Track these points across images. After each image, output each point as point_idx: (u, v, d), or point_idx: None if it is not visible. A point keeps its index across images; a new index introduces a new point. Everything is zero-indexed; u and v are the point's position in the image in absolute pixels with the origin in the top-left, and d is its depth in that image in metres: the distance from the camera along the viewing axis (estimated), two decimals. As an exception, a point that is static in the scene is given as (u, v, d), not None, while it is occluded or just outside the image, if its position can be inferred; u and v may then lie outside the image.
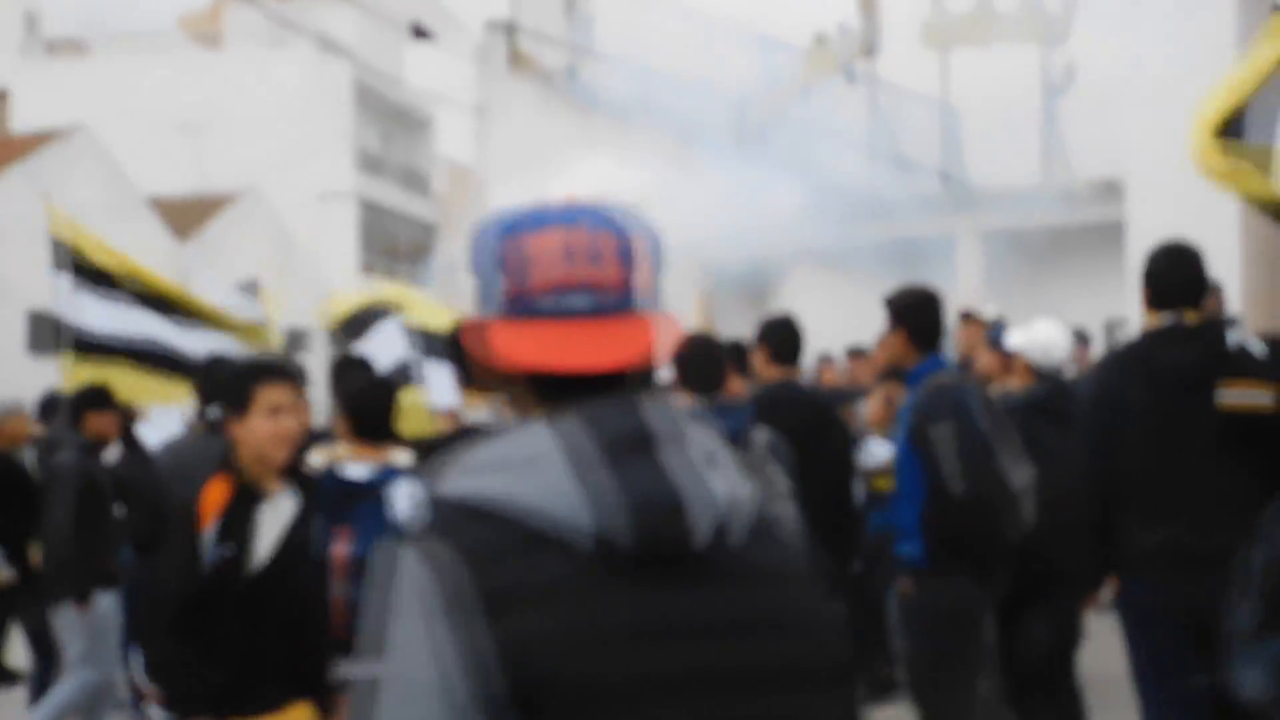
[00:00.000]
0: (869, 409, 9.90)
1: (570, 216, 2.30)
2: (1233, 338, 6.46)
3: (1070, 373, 9.16)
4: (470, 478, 2.14)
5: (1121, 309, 20.79)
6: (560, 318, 2.18)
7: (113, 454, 9.39)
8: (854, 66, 31.78)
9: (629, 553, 2.13)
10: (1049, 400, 8.03)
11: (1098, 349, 15.29)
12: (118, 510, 9.13)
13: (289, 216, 32.72)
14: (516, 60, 42.85)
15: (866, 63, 31.26)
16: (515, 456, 2.08)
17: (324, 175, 39.99)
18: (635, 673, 2.14)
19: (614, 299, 2.25)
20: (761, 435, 7.14)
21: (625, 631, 2.16)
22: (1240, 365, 6.30)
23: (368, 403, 6.71)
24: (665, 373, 10.04)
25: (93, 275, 9.90)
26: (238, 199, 34.17)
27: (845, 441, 8.67)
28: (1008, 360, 8.43)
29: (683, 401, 7.39)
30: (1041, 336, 8.15)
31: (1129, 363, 6.76)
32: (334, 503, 5.90)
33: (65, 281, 9.81)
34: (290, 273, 28.87)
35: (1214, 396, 6.10)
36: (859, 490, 8.98)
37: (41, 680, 10.01)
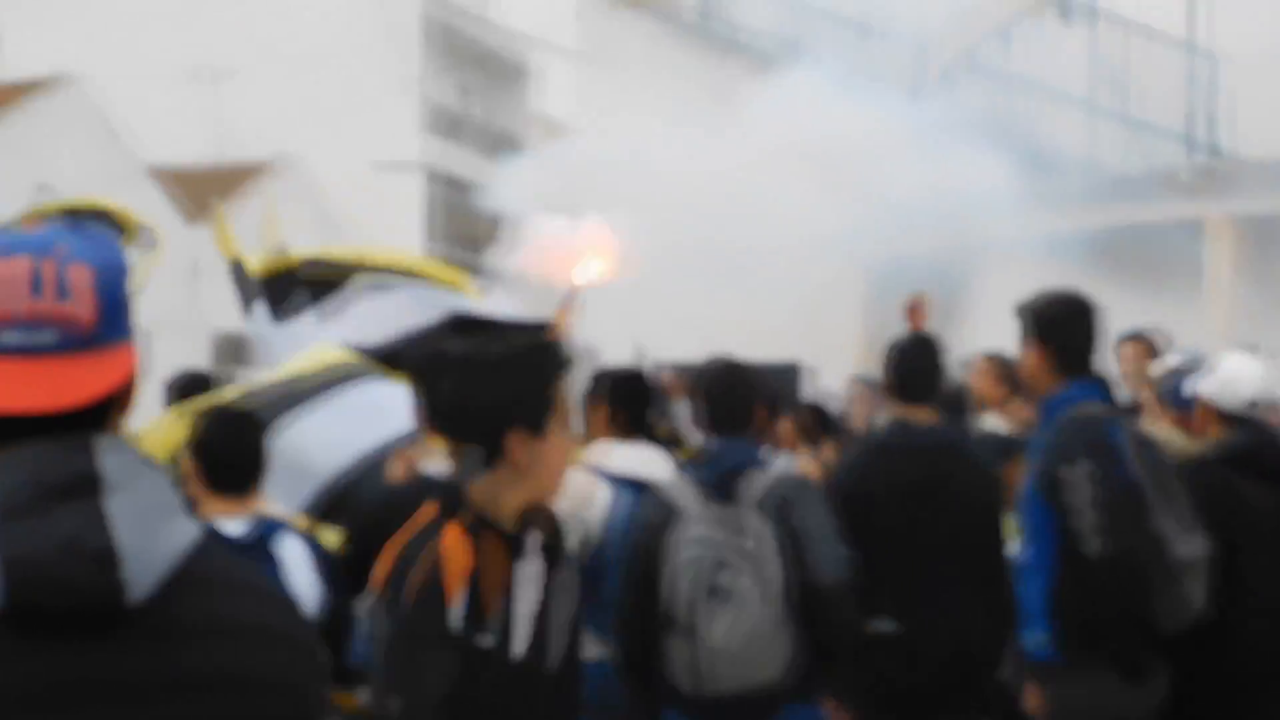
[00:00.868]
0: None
1: (18, 245, 2.58)
2: None
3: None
4: None
5: None
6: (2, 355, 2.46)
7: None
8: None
9: (32, 609, 2.40)
10: (1249, 452, 7.64)
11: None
12: None
13: (335, 192, 32.92)
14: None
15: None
16: None
17: (382, 139, 40.11)
18: None
19: (60, 335, 2.51)
20: (758, 483, 7.15)
21: (19, 694, 2.44)
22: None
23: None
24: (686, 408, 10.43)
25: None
26: (268, 169, 34.88)
27: (976, 501, 8.28)
28: (1186, 416, 8.18)
29: (698, 437, 8.20)
30: (1227, 374, 7.83)
31: None
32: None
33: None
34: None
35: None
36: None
37: None
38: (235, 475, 6.92)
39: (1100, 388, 7.24)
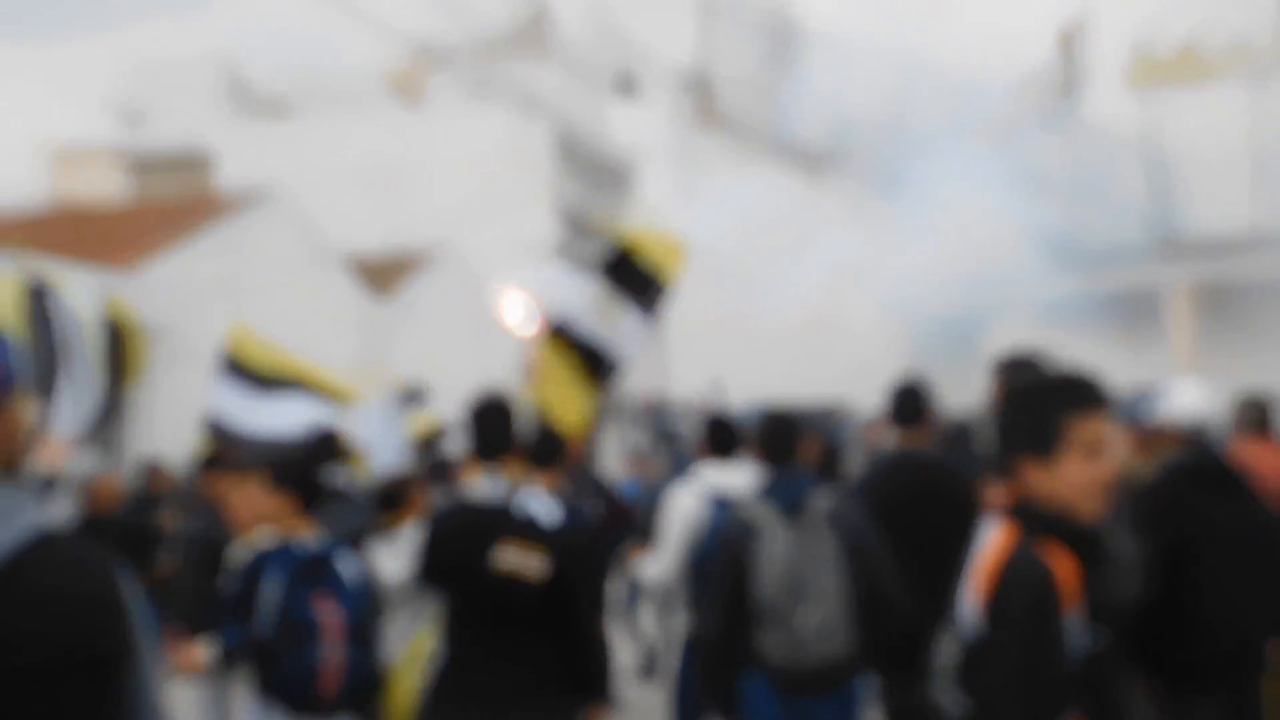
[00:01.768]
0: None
1: None
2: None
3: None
4: None
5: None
6: None
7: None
8: (1054, 109, 31.11)
9: None
10: (1196, 468, 7.08)
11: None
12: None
13: (487, 273, 33.75)
14: (709, 111, 43.30)
15: (1066, 105, 31.02)
16: None
17: (524, 230, 39.75)
18: None
19: None
20: (822, 502, 7.33)
21: None
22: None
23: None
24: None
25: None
26: (435, 258, 35.05)
27: (955, 504, 7.86)
28: (1146, 437, 7.88)
29: (755, 467, 7.96)
30: (1177, 401, 7.72)
31: None
32: (309, 572, 6.17)
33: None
34: (486, 332, 29.45)
35: None
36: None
37: None
38: (492, 447, 6.87)
39: None
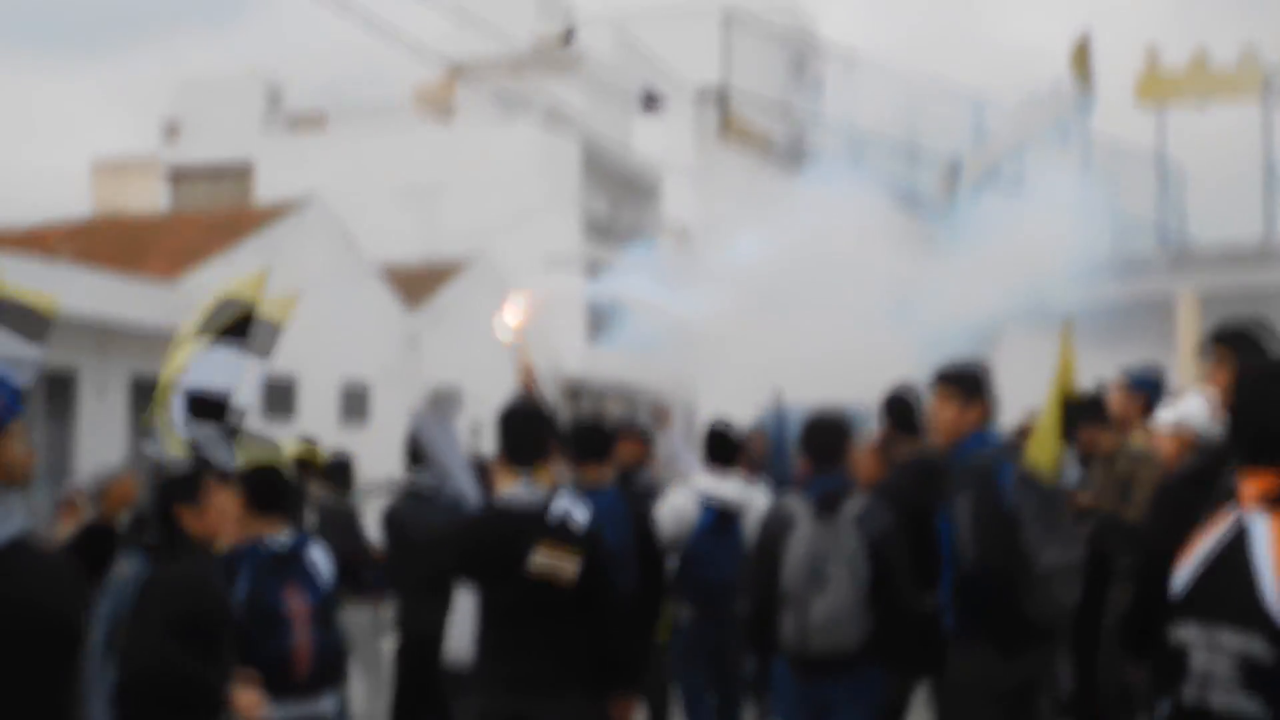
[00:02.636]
0: None
1: None
2: None
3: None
4: None
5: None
6: None
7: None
8: (1067, 124, 31.25)
9: None
10: (1203, 472, 6.49)
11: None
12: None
13: (516, 281, 33.77)
14: (730, 127, 43.42)
15: (1079, 120, 30.93)
16: None
17: (551, 241, 39.51)
18: None
19: None
20: (854, 505, 7.41)
21: None
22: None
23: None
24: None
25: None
26: (467, 268, 35.18)
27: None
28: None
29: (802, 470, 8.11)
30: (1184, 409, 7.66)
31: None
32: (279, 565, 6.69)
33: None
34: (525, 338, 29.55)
35: None
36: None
37: None
38: (525, 454, 6.86)
39: (994, 438, 7.29)
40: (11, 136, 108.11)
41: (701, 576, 8.87)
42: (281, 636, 6.58)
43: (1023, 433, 9.75)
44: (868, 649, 7.01)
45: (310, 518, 10.32)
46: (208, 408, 8.52)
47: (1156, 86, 30.42)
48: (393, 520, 9.41)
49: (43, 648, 3.86)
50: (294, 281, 26.59)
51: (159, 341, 23.45)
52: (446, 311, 32.93)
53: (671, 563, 8.94)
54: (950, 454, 7.40)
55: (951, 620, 6.94)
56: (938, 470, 7.90)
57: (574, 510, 6.79)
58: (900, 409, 8.53)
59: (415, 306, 32.69)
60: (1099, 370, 10.47)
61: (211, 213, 30.84)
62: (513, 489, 6.84)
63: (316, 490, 11.62)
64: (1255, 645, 3.81)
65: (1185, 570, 4.04)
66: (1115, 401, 9.51)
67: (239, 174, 40.84)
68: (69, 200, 41.48)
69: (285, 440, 18.08)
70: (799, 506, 7.47)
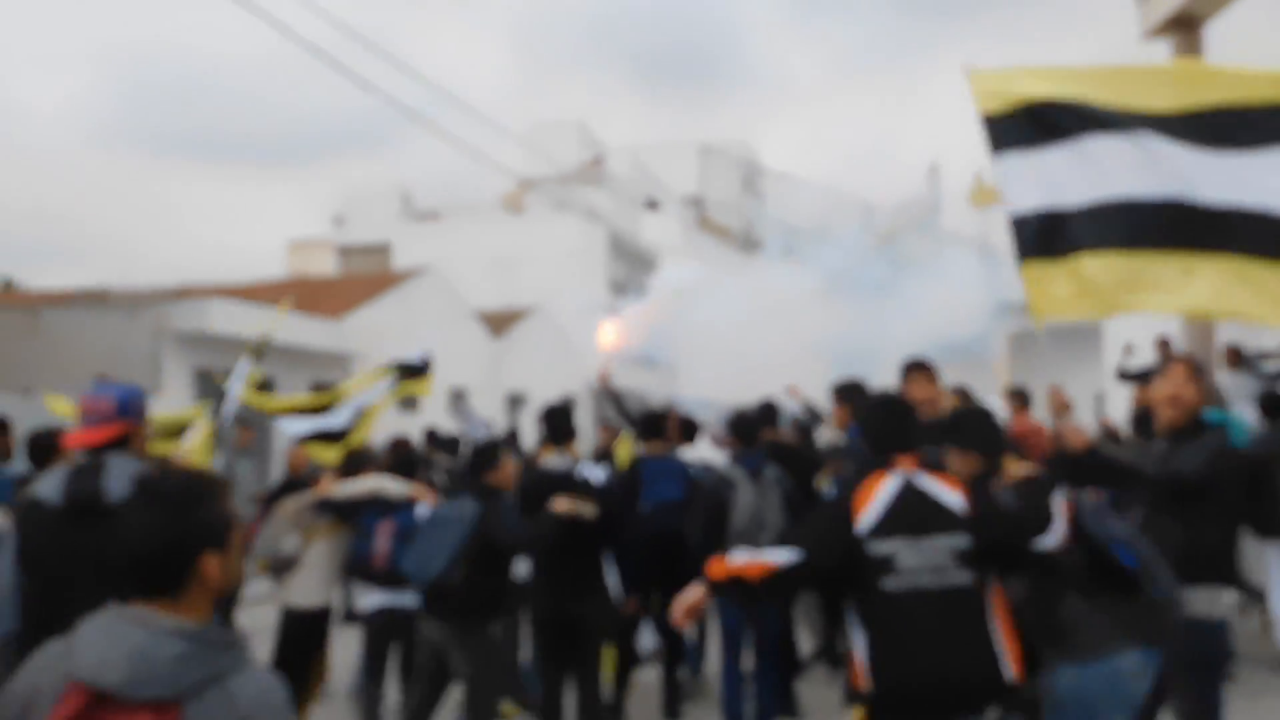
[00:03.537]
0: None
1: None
2: None
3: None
4: None
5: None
6: None
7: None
8: (924, 223, 30.98)
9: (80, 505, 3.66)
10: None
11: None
12: None
13: (565, 324, 33.82)
14: (704, 223, 43.52)
15: (932, 220, 31.19)
16: None
17: (587, 297, 38.54)
18: None
19: (100, 417, 3.91)
20: (771, 472, 7.46)
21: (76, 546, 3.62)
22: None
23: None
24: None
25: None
26: (531, 313, 34.11)
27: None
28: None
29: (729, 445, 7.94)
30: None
31: None
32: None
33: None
34: (563, 360, 29.61)
35: None
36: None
37: None
38: (560, 434, 6.88)
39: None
40: (225, 224, 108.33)
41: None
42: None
43: None
44: None
45: (440, 477, 10.25)
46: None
47: (984, 196, 30.43)
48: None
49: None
50: (417, 320, 26.72)
51: (329, 360, 23.68)
52: (518, 342, 32.81)
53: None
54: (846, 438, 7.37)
55: None
56: (840, 450, 7.95)
57: (594, 473, 6.80)
58: (853, 394, 7.85)
59: (497, 337, 32.48)
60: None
61: (364, 276, 30.83)
62: (550, 459, 6.89)
63: (443, 459, 11.61)
64: (960, 540, 4.03)
65: (871, 513, 4.12)
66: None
67: (382, 250, 40.92)
68: (267, 269, 41.44)
69: (413, 428, 18.07)
70: (736, 473, 7.39)
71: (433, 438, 12.44)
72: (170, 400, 17.43)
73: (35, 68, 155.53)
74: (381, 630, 7.12)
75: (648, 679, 8.94)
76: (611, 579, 6.89)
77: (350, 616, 11.04)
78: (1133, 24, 15.86)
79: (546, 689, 6.67)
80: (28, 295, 24.83)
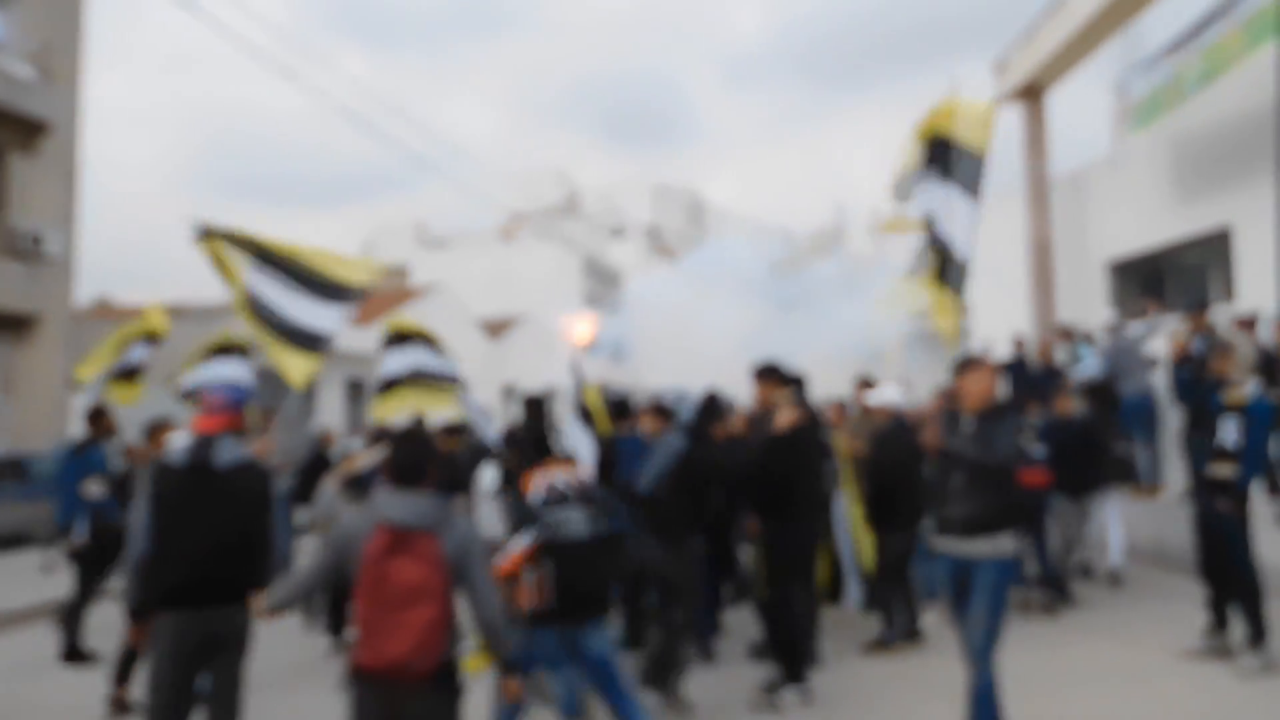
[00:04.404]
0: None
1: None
2: None
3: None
4: None
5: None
6: None
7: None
8: (831, 249, 31.40)
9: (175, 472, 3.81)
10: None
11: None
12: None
13: (549, 329, 33.75)
14: (660, 249, 43.54)
15: (837, 247, 31.65)
16: None
17: (566, 309, 38.10)
18: None
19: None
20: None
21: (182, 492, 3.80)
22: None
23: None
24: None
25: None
26: (522, 322, 34.01)
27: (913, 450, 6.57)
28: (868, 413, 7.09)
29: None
30: (887, 393, 6.97)
31: None
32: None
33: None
34: (550, 358, 29.45)
35: None
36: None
37: None
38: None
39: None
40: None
41: None
42: None
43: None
44: None
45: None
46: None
47: (885, 226, 30.29)
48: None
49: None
50: (430, 329, 26.55)
51: (358, 359, 23.52)
52: (511, 344, 32.51)
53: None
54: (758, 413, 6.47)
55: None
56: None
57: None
58: (771, 374, 6.52)
59: (494, 340, 32.29)
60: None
61: (387, 293, 30.59)
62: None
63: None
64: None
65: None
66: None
67: (401, 272, 40.37)
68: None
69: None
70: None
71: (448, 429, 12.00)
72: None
73: (125, 122, 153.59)
74: None
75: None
76: None
77: None
78: (991, 92, 16.18)
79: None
80: (121, 309, 24.58)
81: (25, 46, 16.05)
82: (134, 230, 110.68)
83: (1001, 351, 15.59)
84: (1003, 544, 4.33)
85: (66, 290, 16.56)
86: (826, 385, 9.06)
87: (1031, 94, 15.50)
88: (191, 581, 3.65)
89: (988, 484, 4.32)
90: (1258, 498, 7.27)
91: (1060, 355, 11.35)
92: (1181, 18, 14.61)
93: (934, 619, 6.95)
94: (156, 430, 6.33)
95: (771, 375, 6.09)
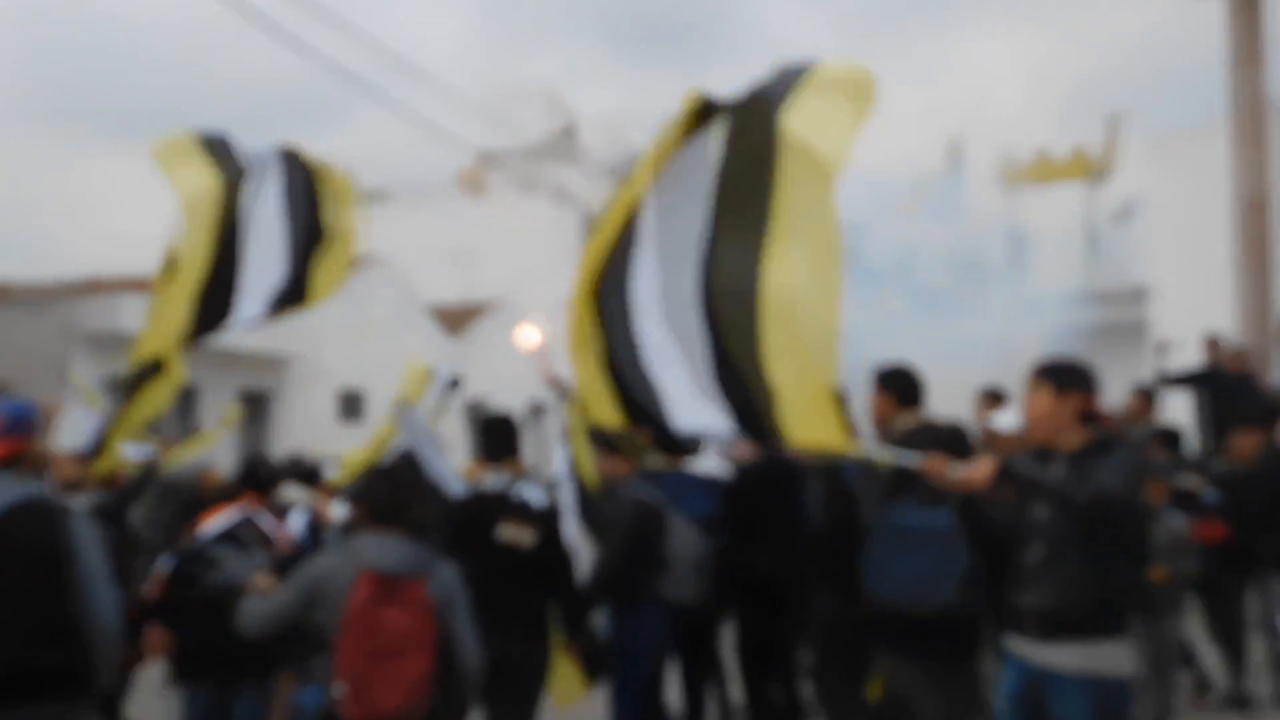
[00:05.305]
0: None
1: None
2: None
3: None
4: None
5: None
6: None
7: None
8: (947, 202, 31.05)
9: None
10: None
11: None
12: None
13: (533, 319, 33.76)
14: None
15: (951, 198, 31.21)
16: None
17: (558, 287, 38.13)
18: None
19: None
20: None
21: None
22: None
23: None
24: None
25: None
26: (495, 308, 34.23)
27: None
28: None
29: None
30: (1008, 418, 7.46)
31: None
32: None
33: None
34: (532, 365, 29.49)
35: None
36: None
37: None
38: (499, 451, 6.83)
39: None
40: (141, 210, 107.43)
41: None
42: None
43: None
44: None
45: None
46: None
47: (1011, 175, 30.58)
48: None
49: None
50: (364, 316, 26.54)
51: (262, 363, 23.50)
52: (479, 341, 32.73)
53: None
54: None
55: None
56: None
57: (533, 493, 6.59)
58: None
59: (454, 336, 32.60)
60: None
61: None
62: (485, 477, 6.75)
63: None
64: None
65: None
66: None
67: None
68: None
69: (358, 437, 17.94)
70: None
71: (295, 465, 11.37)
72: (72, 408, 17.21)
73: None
74: None
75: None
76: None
77: None
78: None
79: None
80: None
81: None
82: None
83: (1188, 358, 15.28)
84: (1105, 654, 4.08)
85: None
86: (939, 399, 8.93)
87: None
88: None
89: (1084, 550, 4.08)
90: None
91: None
92: None
93: None
94: None
95: (896, 386, 6.28)
